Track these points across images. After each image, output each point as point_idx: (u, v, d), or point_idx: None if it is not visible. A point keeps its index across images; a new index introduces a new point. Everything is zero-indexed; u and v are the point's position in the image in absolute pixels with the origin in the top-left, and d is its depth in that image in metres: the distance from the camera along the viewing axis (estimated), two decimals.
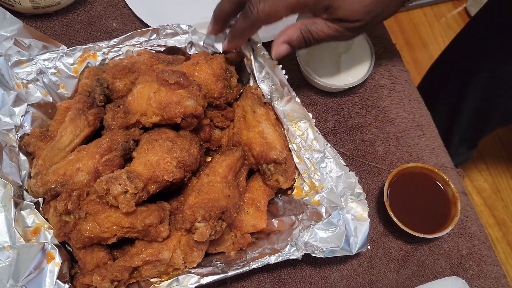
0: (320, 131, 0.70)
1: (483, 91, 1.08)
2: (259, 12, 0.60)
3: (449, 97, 1.17)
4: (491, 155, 1.75)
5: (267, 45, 0.71)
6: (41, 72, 0.72)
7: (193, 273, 0.62)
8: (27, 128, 0.70)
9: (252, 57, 0.73)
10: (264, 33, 0.80)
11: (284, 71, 0.73)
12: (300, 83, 0.84)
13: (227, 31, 0.71)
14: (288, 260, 0.64)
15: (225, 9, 0.67)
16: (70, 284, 0.61)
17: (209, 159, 0.73)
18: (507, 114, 1.13)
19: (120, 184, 0.57)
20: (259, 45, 0.74)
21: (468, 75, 1.09)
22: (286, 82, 0.72)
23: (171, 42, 0.76)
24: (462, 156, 1.41)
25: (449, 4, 2.06)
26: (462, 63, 1.10)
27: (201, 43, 0.76)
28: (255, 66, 0.73)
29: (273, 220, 0.70)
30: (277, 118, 0.72)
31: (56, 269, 0.60)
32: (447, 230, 0.67)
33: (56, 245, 0.61)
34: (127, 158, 0.66)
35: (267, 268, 0.68)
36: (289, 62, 0.85)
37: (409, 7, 1.97)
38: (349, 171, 0.68)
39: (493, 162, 1.73)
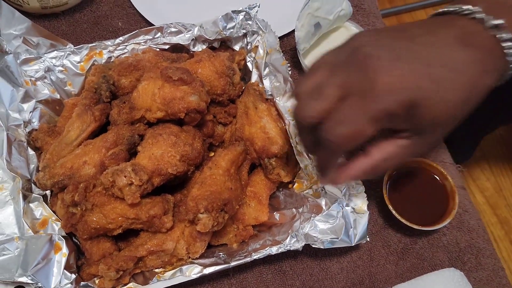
0: None
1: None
2: (337, 139, 0.48)
3: None
4: (493, 154, 1.75)
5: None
6: (48, 70, 0.74)
7: (196, 263, 0.64)
8: (35, 123, 0.72)
9: (265, 55, 0.75)
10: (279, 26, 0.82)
11: (289, 67, 0.75)
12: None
13: None
14: (289, 251, 0.65)
15: (308, 144, 0.59)
16: (76, 274, 0.63)
17: (212, 154, 0.75)
18: (509, 112, 1.13)
19: (125, 176, 0.59)
20: (277, 47, 0.76)
21: None
22: (290, 78, 0.74)
23: (175, 40, 0.78)
24: (464, 155, 1.42)
25: None
26: None
27: (206, 36, 0.78)
28: (262, 63, 0.75)
29: (274, 213, 0.71)
30: (279, 114, 0.74)
31: (63, 260, 0.62)
32: (445, 223, 0.69)
33: (63, 237, 0.63)
34: (132, 152, 0.68)
35: (269, 259, 0.69)
36: (291, 59, 0.86)
37: (412, 8, 1.99)
38: None
39: (495, 161, 1.74)
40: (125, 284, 0.62)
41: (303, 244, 0.65)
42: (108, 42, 0.76)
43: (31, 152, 0.70)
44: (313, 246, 0.65)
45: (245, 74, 0.80)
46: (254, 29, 0.78)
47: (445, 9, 0.51)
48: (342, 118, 0.47)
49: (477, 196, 1.68)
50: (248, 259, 0.64)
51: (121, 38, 0.77)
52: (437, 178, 0.73)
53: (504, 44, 0.48)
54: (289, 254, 0.70)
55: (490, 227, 1.63)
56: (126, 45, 0.77)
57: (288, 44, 0.88)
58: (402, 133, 0.51)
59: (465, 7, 0.49)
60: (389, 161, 0.53)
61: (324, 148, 0.53)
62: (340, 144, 0.48)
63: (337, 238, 0.65)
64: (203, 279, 0.68)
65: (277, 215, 0.71)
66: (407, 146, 0.52)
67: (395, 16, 2.00)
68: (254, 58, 0.78)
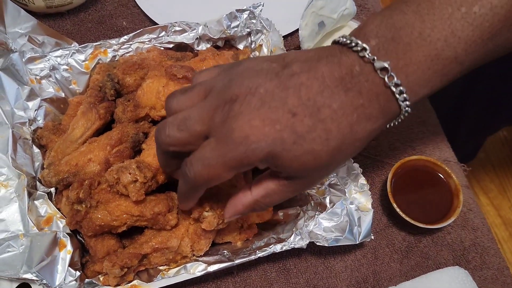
0: None
1: (488, 89, 1.09)
2: (194, 176, 0.47)
3: (454, 97, 1.18)
4: (497, 155, 1.75)
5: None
6: (53, 68, 0.74)
7: (201, 261, 0.64)
8: (40, 122, 0.72)
9: (269, 53, 0.76)
10: (283, 25, 0.82)
11: None
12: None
13: None
14: (293, 250, 0.65)
15: (164, 165, 0.57)
16: (81, 271, 0.63)
17: None
18: None
19: (130, 174, 0.59)
20: (281, 46, 0.76)
21: (472, 73, 1.09)
22: None
23: (179, 39, 0.78)
24: (468, 155, 1.42)
25: None
26: None
27: (210, 35, 0.78)
28: None
29: (278, 211, 0.71)
30: None
31: (68, 257, 0.62)
32: (450, 221, 0.69)
33: (68, 234, 0.63)
34: (136, 150, 0.68)
35: (273, 258, 0.70)
36: None
37: None
38: (353, 163, 0.69)
39: (499, 162, 1.74)
40: (130, 281, 0.62)
41: (307, 242, 0.65)
42: (113, 41, 0.77)
43: (36, 150, 0.70)
44: (317, 244, 0.65)
45: None
46: (258, 28, 0.78)
47: (342, 39, 0.46)
48: (199, 157, 0.46)
49: (481, 197, 1.68)
50: (252, 257, 0.64)
51: (125, 37, 0.77)
52: (442, 176, 0.73)
53: (394, 89, 0.43)
54: (293, 252, 0.70)
55: (494, 228, 1.63)
56: (131, 44, 0.77)
57: (292, 43, 0.88)
58: (279, 173, 0.48)
59: (356, 41, 0.45)
60: (270, 197, 0.50)
61: (183, 181, 0.51)
62: (196, 181, 0.47)
63: (342, 236, 0.65)
64: (207, 276, 0.68)
65: (281, 213, 0.71)
66: (288, 185, 0.49)
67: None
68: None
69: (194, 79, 0.53)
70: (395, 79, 0.43)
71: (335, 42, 0.48)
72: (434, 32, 0.43)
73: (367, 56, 0.44)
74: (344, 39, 0.46)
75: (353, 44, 0.44)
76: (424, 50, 0.43)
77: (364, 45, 0.44)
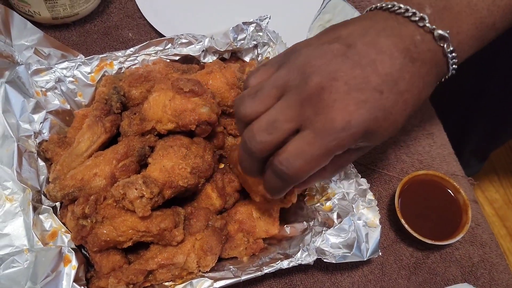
0: None
1: (495, 104, 1.08)
2: (293, 171, 0.48)
3: (461, 111, 1.17)
4: (502, 166, 1.74)
5: None
6: (59, 80, 0.74)
7: (207, 277, 0.63)
8: (46, 134, 0.72)
9: None
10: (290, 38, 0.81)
11: None
12: None
13: None
14: (299, 265, 0.65)
15: (252, 170, 0.55)
16: (86, 287, 0.62)
17: (222, 166, 0.75)
18: None
19: (136, 189, 0.59)
20: None
21: (479, 87, 1.09)
22: None
23: (185, 51, 0.78)
24: (473, 168, 1.41)
25: None
26: (473, 75, 1.10)
27: (216, 47, 0.77)
28: None
29: (285, 226, 0.70)
30: None
31: (73, 272, 0.61)
32: (458, 237, 0.68)
33: (72, 249, 0.63)
34: (142, 164, 0.67)
35: (279, 273, 0.69)
36: None
37: None
38: (361, 178, 0.69)
39: (504, 173, 1.73)
40: None
41: (314, 258, 0.64)
42: (119, 53, 0.76)
43: (41, 163, 0.69)
44: (324, 260, 0.64)
45: None
46: (265, 41, 0.78)
47: (393, 7, 0.49)
48: (297, 153, 0.47)
49: (486, 208, 1.67)
50: (259, 273, 0.63)
51: (131, 49, 0.76)
52: (450, 191, 0.72)
53: (449, 55, 0.48)
54: (300, 268, 0.69)
55: (500, 239, 1.62)
56: (137, 56, 0.77)
57: None
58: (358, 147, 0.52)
59: (413, 10, 0.47)
60: (341, 170, 0.59)
61: (277, 178, 0.50)
62: (295, 176, 0.48)
63: (349, 253, 0.64)
64: None
65: (287, 228, 0.70)
66: (356, 154, 0.54)
67: None
68: None
69: (249, 82, 0.53)
70: (451, 47, 0.47)
71: (379, 9, 0.50)
72: (479, 1, 0.48)
73: (426, 25, 0.47)
74: (397, 7, 0.48)
75: (410, 14, 0.47)
76: (471, 18, 0.48)
77: (422, 14, 0.47)
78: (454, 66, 0.49)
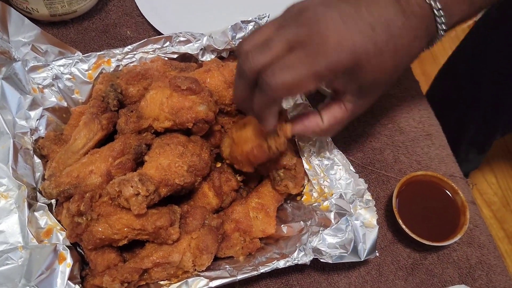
0: (330, 139, 0.71)
1: (491, 96, 1.08)
2: (278, 86, 0.49)
3: (457, 104, 1.17)
4: (500, 168, 1.74)
5: None
6: (56, 77, 0.73)
7: (202, 276, 0.63)
8: (42, 131, 0.71)
9: None
10: None
11: None
12: (312, 93, 0.85)
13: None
14: (296, 265, 0.64)
15: (241, 95, 0.55)
16: (80, 285, 0.61)
17: (219, 164, 0.74)
18: None
19: (132, 187, 0.58)
20: None
21: (475, 81, 1.09)
22: None
23: (183, 49, 0.77)
24: (472, 163, 1.41)
25: None
26: (468, 69, 1.10)
27: (215, 46, 0.77)
28: None
29: (282, 226, 0.70)
30: None
31: (68, 270, 0.61)
32: (456, 239, 0.68)
33: (67, 247, 0.62)
34: (139, 162, 0.67)
35: (275, 273, 0.68)
36: None
37: None
38: (359, 178, 0.68)
39: (502, 175, 1.73)
40: None
41: (311, 258, 0.64)
42: (117, 51, 0.76)
43: (37, 160, 0.69)
44: (321, 260, 0.64)
45: None
46: None
47: None
48: (286, 65, 0.49)
49: (484, 210, 1.66)
50: (254, 273, 0.63)
51: (129, 46, 0.76)
52: (448, 192, 0.72)
53: (436, 13, 0.51)
54: (296, 268, 0.69)
55: (498, 241, 1.62)
56: (135, 54, 0.77)
57: None
58: (346, 96, 0.55)
59: None
60: (336, 126, 0.58)
61: (260, 94, 0.52)
62: (278, 91, 0.49)
63: (346, 253, 0.64)
64: None
65: (284, 228, 0.70)
66: (351, 110, 0.56)
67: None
68: None
69: (243, 46, 0.53)
70: (438, 4, 0.50)
71: None
72: None
73: None
74: None
75: None
76: None
77: None
78: (443, 26, 0.52)
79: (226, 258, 0.67)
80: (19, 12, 0.79)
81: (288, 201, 0.73)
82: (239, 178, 0.71)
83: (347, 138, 0.81)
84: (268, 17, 0.78)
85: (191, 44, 0.78)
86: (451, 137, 0.85)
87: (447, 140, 0.84)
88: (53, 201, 0.68)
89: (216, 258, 0.66)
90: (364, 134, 0.81)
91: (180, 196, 0.68)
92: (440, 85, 1.27)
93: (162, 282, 0.63)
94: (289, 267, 0.64)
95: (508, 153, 1.75)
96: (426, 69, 1.93)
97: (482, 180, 1.70)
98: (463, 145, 1.24)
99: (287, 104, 0.74)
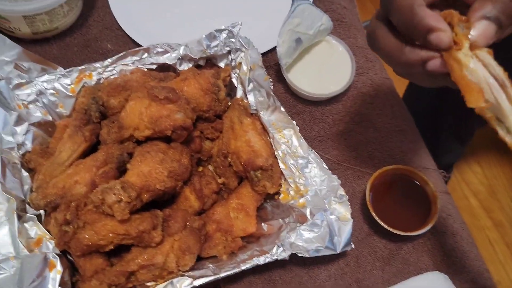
0: (306, 139, 0.74)
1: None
2: None
3: (434, 90, 1.20)
4: (486, 157, 1.77)
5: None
6: (40, 93, 0.76)
7: (187, 276, 0.66)
8: (29, 146, 0.74)
9: (248, 71, 0.78)
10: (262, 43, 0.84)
11: (271, 82, 0.78)
12: (286, 93, 0.88)
13: None
14: (277, 261, 0.67)
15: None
16: None
17: (200, 169, 0.77)
18: None
19: (114, 194, 0.62)
20: (260, 63, 0.78)
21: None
22: (272, 93, 0.77)
23: (162, 59, 0.80)
24: (455, 152, 1.43)
25: None
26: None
27: (191, 55, 0.80)
28: (246, 79, 0.78)
29: (262, 224, 0.73)
30: (263, 128, 0.76)
31: (58, 277, 0.63)
32: (427, 228, 0.71)
33: (57, 254, 0.65)
34: (122, 170, 0.70)
35: (258, 269, 0.71)
36: (275, 74, 0.89)
37: None
38: (332, 174, 0.72)
39: (487, 164, 1.76)
40: None
41: (289, 253, 0.67)
42: (97, 64, 0.79)
43: (25, 173, 0.72)
44: (299, 255, 0.67)
45: (231, 90, 0.82)
46: (238, 46, 0.81)
47: None
48: None
49: (471, 199, 1.70)
50: (236, 270, 0.66)
51: (109, 60, 0.79)
52: (418, 184, 0.75)
53: None
54: (278, 264, 0.72)
55: (486, 230, 1.65)
56: (115, 67, 0.80)
57: (272, 59, 0.91)
58: None
59: None
60: None
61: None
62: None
63: (322, 247, 0.67)
64: None
65: (265, 226, 0.73)
66: None
67: None
68: (239, 74, 0.81)
69: None
70: None
71: None
72: None
73: None
74: None
75: None
76: None
77: None
78: None
79: (210, 257, 0.70)
80: (1, 31, 0.82)
81: (268, 200, 0.76)
82: (219, 180, 0.75)
83: (323, 137, 0.84)
84: (241, 25, 0.81)
85: (169, 54, 0.81)
86: (430, 126, 0.87)
87: (426, 129, 0.86)
88: (42, 211, 0.71)
89: (201, 258, 0.69)
90: (338, 132, 0.85)
91: (163, 200, 0.71)
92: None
93: (148, 284, 0.66)
94: (271, 263, 0.67)
95: (491, 142, 1.78)
96: None
97: (467, 170, 1.73)
98: (443, 134, 1.27)
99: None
